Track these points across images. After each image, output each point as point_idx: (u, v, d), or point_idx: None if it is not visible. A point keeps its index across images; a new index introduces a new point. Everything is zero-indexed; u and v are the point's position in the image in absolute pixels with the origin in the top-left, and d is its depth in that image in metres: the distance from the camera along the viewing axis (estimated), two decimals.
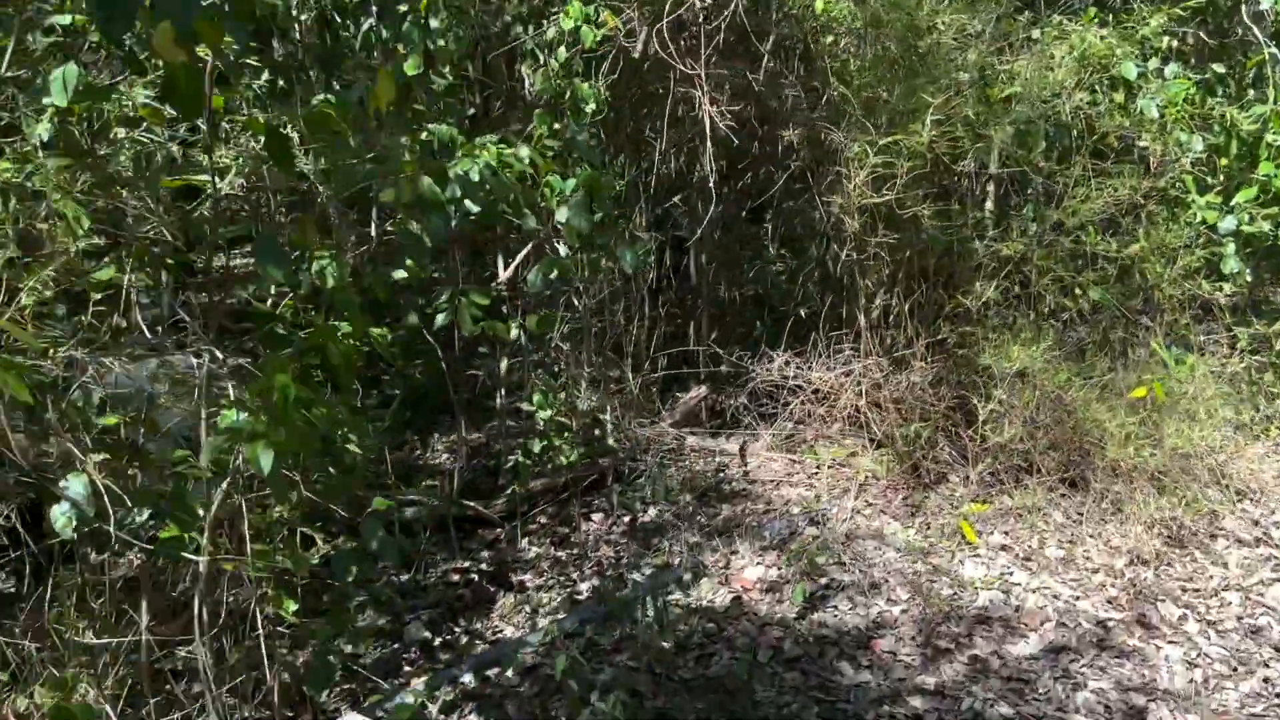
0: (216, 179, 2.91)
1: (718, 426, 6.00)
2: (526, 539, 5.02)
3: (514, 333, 4.89)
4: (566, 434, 4.21)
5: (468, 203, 3.78)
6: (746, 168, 6.24)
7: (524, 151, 4.24)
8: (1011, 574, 4.49)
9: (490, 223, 3.79)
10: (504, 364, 6.17)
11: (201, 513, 2.55)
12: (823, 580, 4.44)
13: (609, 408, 5.88)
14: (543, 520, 5.17)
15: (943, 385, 5.21)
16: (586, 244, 3.95)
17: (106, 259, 3.03)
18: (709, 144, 4.71)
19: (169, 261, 3.05)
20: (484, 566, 4.81)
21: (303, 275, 3.39)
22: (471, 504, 5.09)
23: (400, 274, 4.06)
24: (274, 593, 3.07)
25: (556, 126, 4.20)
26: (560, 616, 4.28)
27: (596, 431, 5.36)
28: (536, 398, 4.01)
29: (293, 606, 3.14)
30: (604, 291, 5.68)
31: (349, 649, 4.20)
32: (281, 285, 2.50)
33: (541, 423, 4.07)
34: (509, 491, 5.02)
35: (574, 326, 6.23)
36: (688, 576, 4.49)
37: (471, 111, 6.19)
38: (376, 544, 3.08)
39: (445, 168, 2.79)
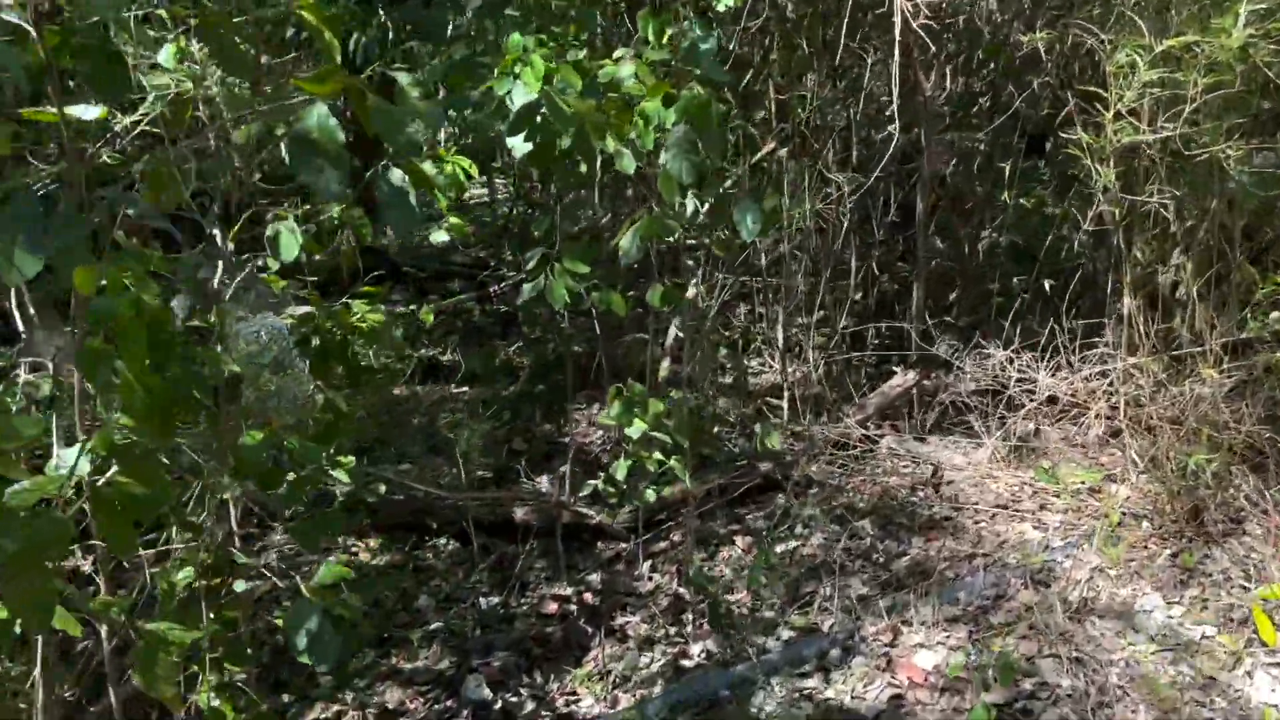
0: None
1: (930, 425, 4.66)
2: (649, 562, 3.98)
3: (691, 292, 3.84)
4: (677, 453, 3.10)
5: (512, 141, 2.74)
6: (990, 87, 4.73)
7: (626, 69, 3.10)
8: None
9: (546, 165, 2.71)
10: (672, 329, 5.12)
11: None
12: (1027, 683, 3.11)
13: (785, 394, 4.69)
14: (676, 538, 4.11)
15: (1245, 401, 3.63)
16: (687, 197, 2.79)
17: None
18: (896, 52, 3.34)
19: None
20: (588, 597, 3.82)
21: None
22: (587, 512, 4.11)
23: (441, 236, 3.08)
24: (144, 677, 2.14)
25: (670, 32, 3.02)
26: (653, 692, 3.22)
27: (757, 427, 4.19)
28: (616, 408, 2.92)
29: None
30: (783, 245, 4.45)
31: (393, 701, 3.38)
32: (34, 280, 1.56)
33: (630, 441, 2.99)
34: (618, 506, 4.02)
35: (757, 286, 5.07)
36: (835, 653, 3.30)
37: None
38: (304, 643, 2.13)
39: (360, 85, 1.74)
